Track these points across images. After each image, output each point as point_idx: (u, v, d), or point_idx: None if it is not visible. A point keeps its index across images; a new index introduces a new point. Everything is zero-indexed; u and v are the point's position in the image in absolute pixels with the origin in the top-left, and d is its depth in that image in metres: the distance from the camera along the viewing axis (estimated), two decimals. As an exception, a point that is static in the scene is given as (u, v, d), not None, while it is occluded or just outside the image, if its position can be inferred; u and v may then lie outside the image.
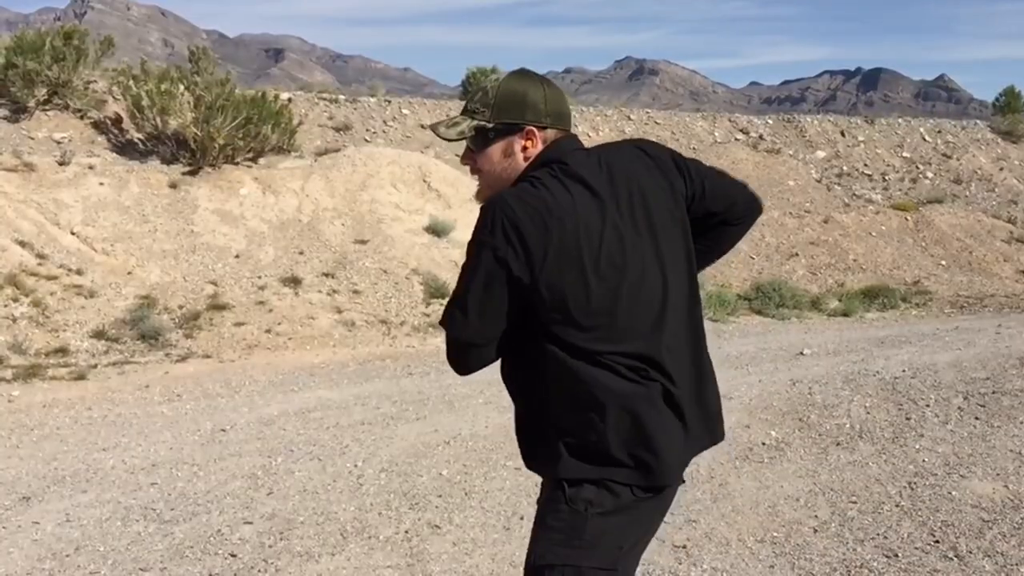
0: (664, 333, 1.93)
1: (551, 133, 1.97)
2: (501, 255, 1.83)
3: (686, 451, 1.97)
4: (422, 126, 15.05)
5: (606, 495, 1.88)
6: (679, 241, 1.99)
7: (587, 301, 1.86)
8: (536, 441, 1.97)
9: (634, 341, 1.90)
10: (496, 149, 1.97)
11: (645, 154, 2.02)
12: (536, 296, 1.86)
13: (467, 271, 1.89)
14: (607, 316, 1.88)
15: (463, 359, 1.96)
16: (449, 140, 2.02)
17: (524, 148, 1.95)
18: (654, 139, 15.87)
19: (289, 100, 14.00)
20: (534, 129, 1.94)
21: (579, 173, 1.91)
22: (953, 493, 4.49)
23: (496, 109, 1.94)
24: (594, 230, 1.88)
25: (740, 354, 8.37)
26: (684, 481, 2.05)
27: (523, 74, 2.00)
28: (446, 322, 1.93)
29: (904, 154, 18.19)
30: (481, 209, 1.90)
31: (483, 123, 1.96)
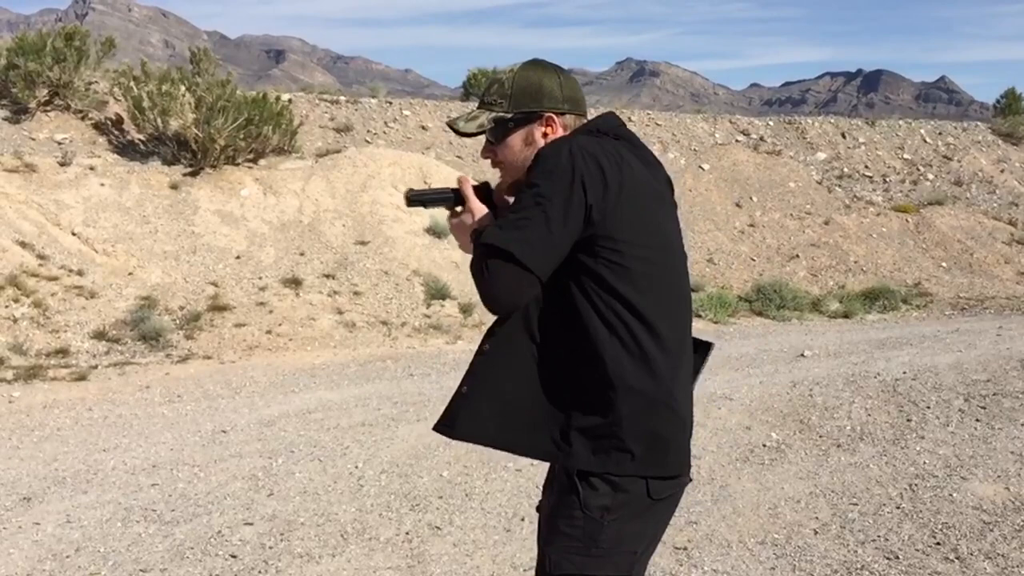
0: (688, 318, 2.00)
1: (569, 119, 1.99)
2: (580, 178, 1.81)
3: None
4: (423, 127, 15.05)
5: (622, 498, 1.85)
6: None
7: (647, 252, 1.88)
8: (547, 422, 1.88)
9: (673, 317, 1.93)
10: (516, 138, 1.98)
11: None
12: (601, 231, 1.82)
13: (538, 196, 1.82)
14: (657, 279, 1.90)
15: (516, 291, 1.82)
16: (468, 134, 2.02)
17: (545, 135, 1.97)
18: (655, 140, 15.79)
19: (290, 101, 13.99)
20: (553, 116, 1.96)
21: (631, 146, 1.96)
22: (954, 495, 4.49)
23: (514, 99, 1.96)
24: (654, 195, 1.94)
25: (741, 355, 8.37)
26: (692, 479, 2.04)
27: (536, 63, 2.02)
28: (514, 245, 1.79)
29: (905, 156, 18.19)
30: (546, 148, 1.89)
31: (502, 114, 1.97)
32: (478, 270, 1.85)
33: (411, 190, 2.09)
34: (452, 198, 2.05)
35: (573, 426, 1.86)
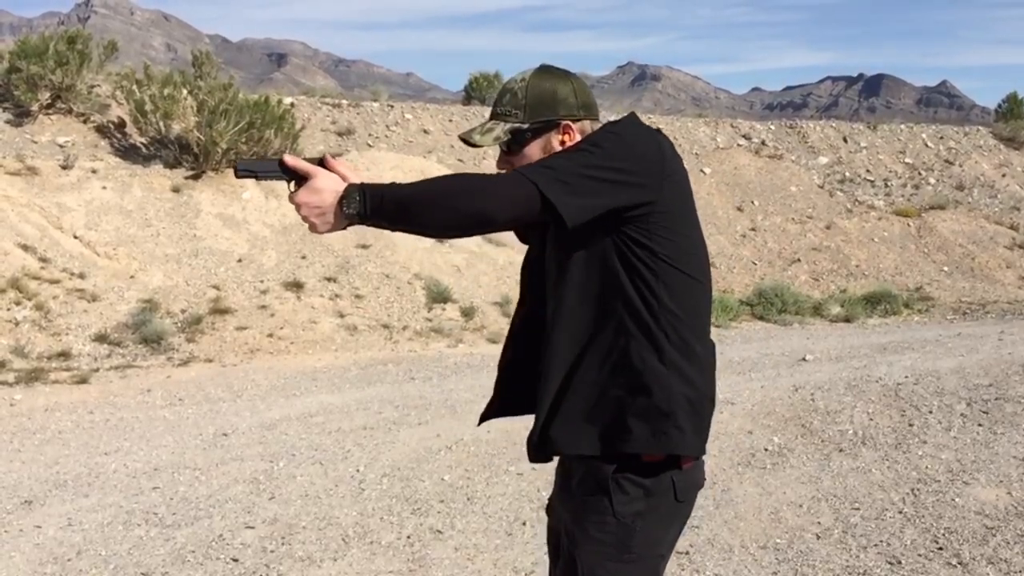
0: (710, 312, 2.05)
1: (586, 124, 1.98)
2: (641, 143, 1.86)
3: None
4: (425, 131, 15.06)
5: (653, 502, 1.88)
6: None
7: (692, 232, 1.92)
8: (600, 415, 1.87)
9: (709, 302, 1.99)
10: (535, 148, 1.96)
11: None
12: (660, 207, 1.84)
13: (592, 144, 1.84)
14: (699, 260, 1.94)
15: (518, 200, 1.77)
16: (484, 146, 2.01)
17: (562, 143, 1.95)
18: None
19: (292, 104, 14.00)
20: (570, 123, 1.95)
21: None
22: (956, 500, 4.48)
23: (529, 109, 1.94)
24: (691, 190, 1.98)
25: (742, 360, 8.36)
26: (705, 478, 2.06)
27: (547, 70, 2.00)
28: (541, 179, 1.77)
29: (906, 160, 18.19)
30: (604, 128, 1.92)
31: (518, 125, 1.95)
32: (484, 180, 1.80)
33: (240, 159, 2.01)
34: (281, 172, 1.97)
35: (629, 412, 1.86)
